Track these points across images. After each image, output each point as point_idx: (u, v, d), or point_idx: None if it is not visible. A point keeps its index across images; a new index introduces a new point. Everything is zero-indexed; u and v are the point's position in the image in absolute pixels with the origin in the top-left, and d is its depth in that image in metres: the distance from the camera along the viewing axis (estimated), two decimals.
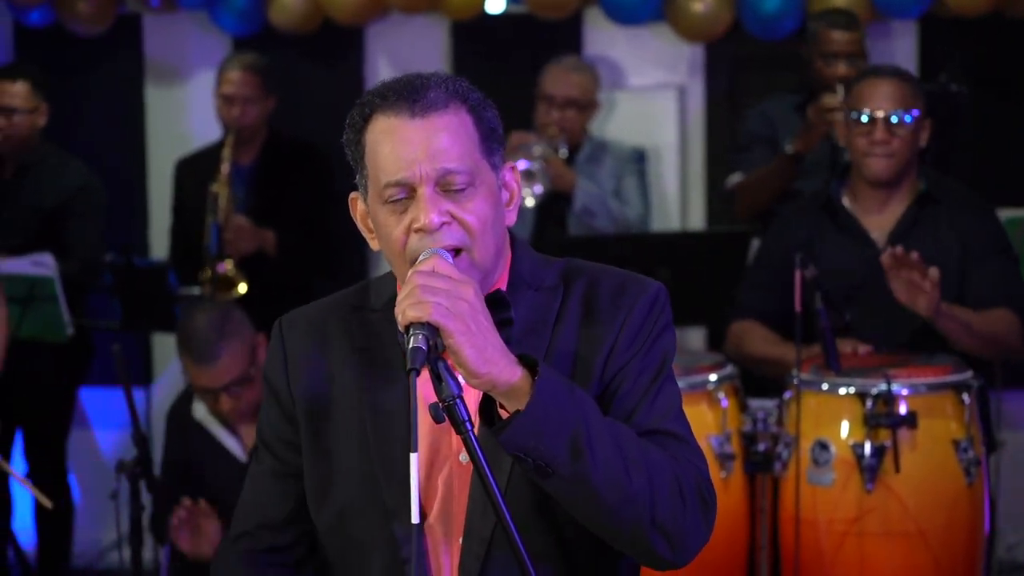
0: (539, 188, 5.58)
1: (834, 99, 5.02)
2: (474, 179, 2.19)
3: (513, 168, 2.31)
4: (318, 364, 2.32)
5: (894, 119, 4.36)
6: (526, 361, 2.12)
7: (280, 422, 2.34)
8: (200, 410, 4.54)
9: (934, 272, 4.16)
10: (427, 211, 2.15)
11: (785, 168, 5.23)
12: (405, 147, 2.17)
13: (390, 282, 2.33)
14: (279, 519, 2.37)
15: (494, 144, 2.25)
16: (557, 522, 2.21)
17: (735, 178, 5.49)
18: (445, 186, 2.17)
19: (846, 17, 5.35)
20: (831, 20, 5.30)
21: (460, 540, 2.23)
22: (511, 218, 2.29)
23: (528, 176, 5.56)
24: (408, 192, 2.18)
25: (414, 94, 2.19)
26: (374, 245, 2.29)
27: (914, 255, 4.17)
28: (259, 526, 2.38)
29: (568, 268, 2.32)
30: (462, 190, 2.18)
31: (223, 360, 4.29)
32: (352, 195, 2.32)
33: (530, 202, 5.59)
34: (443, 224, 2.17)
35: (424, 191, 2.16)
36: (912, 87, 4.46)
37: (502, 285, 2.28)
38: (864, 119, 4.37)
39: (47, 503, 3.91)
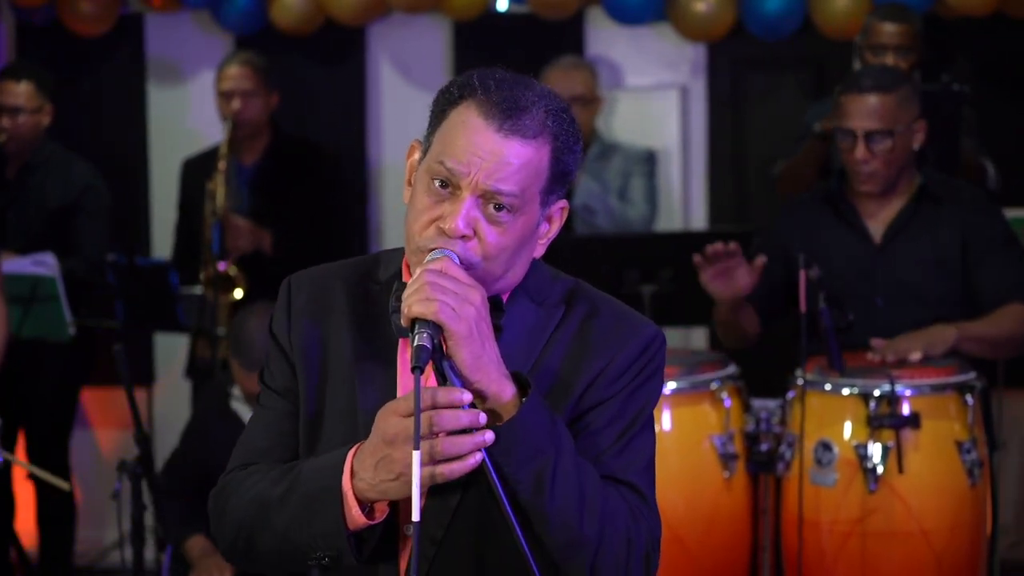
0: None
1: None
2: (518, 211, 2.17)
3: (564, 208, 2.27)
4: (316, 332, 2.31)
5: (872, 140, 4.35)
6: (519, 380, 2.12)
7: (288, 373, 2.33)
8: (237, 403, 4.60)
9: (915, 357, 4.26)
10: (456, 216, 2.14)
11: (815, 147, 5.24)
12: (475, 149, 2.14)
13: (398, 257, 2.32)
14: (287, 457, 2.31)
15: (558, 187, 2.22)
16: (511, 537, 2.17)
17: (780, 165, 5.51)
18: (487, 203, 2.15)
19: (899, 11, 5.36)
20: (883, 13, 5.32)
21: (407, 529, 2.20)
22: (540, 251, 2.27)
23: None
24: (452, 187, 2.16)
25: (511, 110, 2.15)
26: (406, 196, 2.27)
27: (889, 357, 4.26)
28: (264, 452, 2.32)
29: (573, 289, 2.30)
30: (502, 214, 2.16)
31: None
32: (414, 141, 2.29)
33: None
34: (463, 236, 2.15)
35: (465, 196, 2.15)
36: (896, 99, 4.37)
37: (505, 292, 2.26)
38: (845, 134, 4.38)
39: (65, 485, 3.89)
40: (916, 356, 4.26)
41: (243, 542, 2.27)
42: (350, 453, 2.14)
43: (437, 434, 2.05)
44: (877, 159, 4.36)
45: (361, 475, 2.12)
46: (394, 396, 2.18)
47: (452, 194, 2.16)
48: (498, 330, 2.16)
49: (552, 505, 2.09)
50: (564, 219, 2.28)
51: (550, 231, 2.26)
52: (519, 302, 2.26)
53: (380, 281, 2.32)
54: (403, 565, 2.21)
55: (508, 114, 2.15)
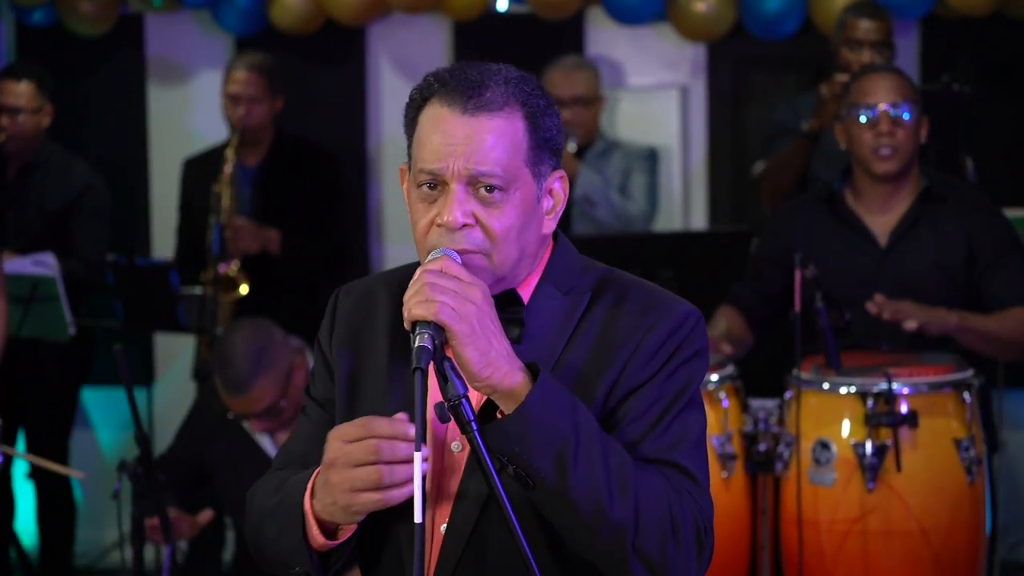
0: None
1: (847, 76, 5.03)
2: (509, 186, 2.16)
3: (562, 178, 2.26)
4: (356, 334, 2.33)
5: (897, 112, 4.37)
6: (533, 369, 2.11)
7: (328, 382, 2.35)
8: None
9: (910, 325, 4.27)
10: (452, 209, 2.14)
11: (802, 146, 5.26)
12: (446, 140, 2.15)
13: None
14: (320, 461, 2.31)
15: (545, 153, 2.21)
16: (550, 527, 2.18)
17: (759, 166, 5.52)
18: (477, 186, 2.16)
19: (874, 7, 5.38)
20: (859, 9, 5.34)
21: (442, 528, 2.22)
22: (550, 226, 2.25)
23: None
24: (440, 185, 2.17)
25: (471, 89, 2.16)
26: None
27: (885, 314, 4.25)
28: (298, 457, 2.35)
29: (605, 277, 2.27)
30: (495, 195, 2.16)
31: (254, 393, 4.36)
32: (402, 165, 2.30)
33: None
34: (465, 225, 2.15)
35: (454, 187, 2.15)
36: (909, 80, 4.50)
37: (533, 281, 2.25)
38: (868, 111, 4.38)
39: (79, 474, 3.91)
40: (912, 325, 4.25)
41: (255, 545, 2.32)
42: (316, 472, 2.16)
43: (376, 463, 2.05)
44: (902, 132, 4.38)
45: (316, 495, 2.15)
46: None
47: (441, 191, 2.16)
48: (520, 323, 2.16)
49: (577, 488, 2.07)
50: (567, 189, 2.26)
51: (556, 205, 2.25)
52: (544, 291, 2.25)
53: None
54: (432, 567, 2.22)
55: (469, 94, 2.16)
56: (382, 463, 2.04)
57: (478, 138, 2.14)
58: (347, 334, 2.33)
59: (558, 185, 2.25)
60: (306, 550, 2.16)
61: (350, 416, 2.27)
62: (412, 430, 2.04)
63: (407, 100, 2.24)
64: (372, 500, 2.06)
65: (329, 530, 2.17)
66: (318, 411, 2.36)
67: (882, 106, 4.37)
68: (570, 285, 2.25)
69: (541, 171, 2.21)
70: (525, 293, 2.24)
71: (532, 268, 2.25)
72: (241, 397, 4.36)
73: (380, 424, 2.06)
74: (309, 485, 2.15)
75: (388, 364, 2.27)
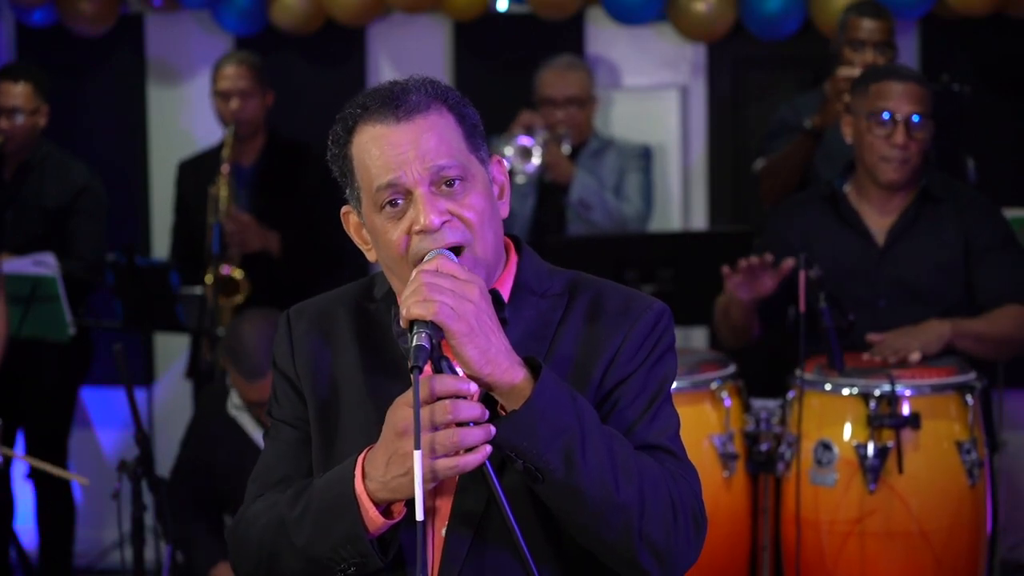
0: (531, 167, 5.62)
1: (850, 71, 5.01)
2: (466, 174, 2.20)
3: (499, 161, 2.32)
4: (323, 355, 2.33)
5: (914, 123, 4.34)
6: (531, 364, 2.13)
7: (297, 403, 2.35)
8: (234, 405, 4.61)
9: (915, 358, 4.25)
10: (426, 212, 2.16)
11: (805, 143, 5.24)
12: (394, 150, 2.18)
13: None
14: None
15: (478, 139, 2.26)
16: (550, 522, 2.20)
17: (760, 163, 5.51)
18: (439, 184, 2.18)
19: (876, 6, 5.37)
20: (861, 9, 5.32)
21: (443, 530, 2.22)
22: (504, 210, 2.30)
23: (525, 154, 5.59)
24: (404, 196, 2.19)
25: (395, 100, 2.20)
26: (371, 256, 2.30)
27: (890, 358, 4.25)
28: (280, 482, 2.33)
29: (575, 279, 2.33)
30: (456, 186, 2.19)
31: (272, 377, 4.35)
32: (344, 209, 2.33)
33: (521, 179, 5.63)
34: (444, 223, 2.17)
35: (421, 191, 2.17)
36: (928, 90, 4.44)
37: (506, 287, 2.28)
38: (885, 118, 4.35)
39: (84, 480, 3.91)
40: (916, 357, 4.25)
41: (265, 567, 2.27)
42: (360, 457, 2.15)
43: (438, 428, 2.04)
44: (914, 144, 4.36)
45: (372, 475, 2.12)
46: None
47: (407, 201, 2.19)
48: (503, 323, 2.17)
49: (586, 480, 2.09)
50: (506, 171, 2.32)
51: (503, 189, 2.31)
52: (521, 295, 2.28)
53: (376, 299, 2.35)
54: (434, 567, 2.21)
55: (395, 104, 2.20)
56: (456, 425, 2.04)
57: (422, 138, 2.18)
58: (310, 354, 2.34)
59: (497, 170, 2.31)
60: (366, 535, 2.13)
61: (330, 433, 2.29)
62: (472, 387, 2.06)
63: (331, 142, 2.29)
64: (449, 466, 2.05)
65: (383, 510, 2.14)
66: (289, 431, 2.35)
67: (900, 116, 4.34)
68: (543, 288, 2.30)
69: (482, 156, 2.26)
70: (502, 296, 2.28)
71: (505, 263, 2.29)
72: (260, 383, 4.40)
73: (443, 382, 2.06)
74: (358, 470, 2.13)
75: (365, 378, 2.28)
